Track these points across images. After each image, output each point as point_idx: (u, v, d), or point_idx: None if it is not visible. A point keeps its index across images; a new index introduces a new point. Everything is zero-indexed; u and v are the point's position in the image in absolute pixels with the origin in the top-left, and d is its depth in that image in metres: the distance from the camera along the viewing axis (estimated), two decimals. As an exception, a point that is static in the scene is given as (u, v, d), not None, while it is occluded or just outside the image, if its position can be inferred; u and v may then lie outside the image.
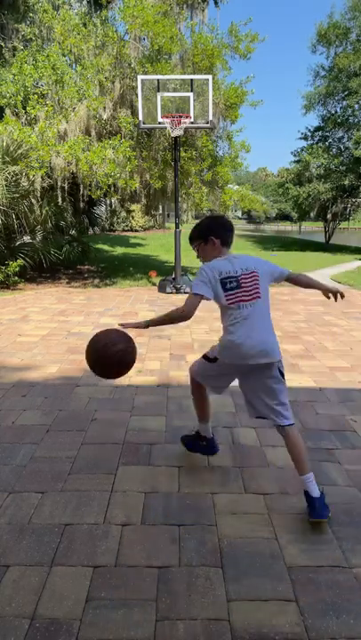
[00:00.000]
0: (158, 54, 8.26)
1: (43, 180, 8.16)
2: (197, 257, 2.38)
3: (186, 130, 7.89)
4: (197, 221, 2.45)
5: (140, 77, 7.65)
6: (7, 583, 1.73)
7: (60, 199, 8.58)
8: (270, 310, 2.20)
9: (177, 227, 8.37)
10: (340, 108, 23.29)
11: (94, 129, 8.52)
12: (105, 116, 8.58)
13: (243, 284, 2.12)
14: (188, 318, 2.12)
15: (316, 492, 2.08)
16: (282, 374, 2.25)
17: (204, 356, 2.39)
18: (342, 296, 2.29)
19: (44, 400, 3.41)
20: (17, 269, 8.31)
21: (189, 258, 13.68)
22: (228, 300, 2.11)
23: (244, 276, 2.13)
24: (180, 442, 2.68)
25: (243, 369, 2.19)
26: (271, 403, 2.19)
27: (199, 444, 2.57)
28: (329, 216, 25.35)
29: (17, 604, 1.63)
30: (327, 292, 2.33)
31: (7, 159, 7.97)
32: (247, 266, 2.17)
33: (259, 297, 2.13)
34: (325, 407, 3.34)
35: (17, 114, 8.54)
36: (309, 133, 24.44)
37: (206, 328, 5.64)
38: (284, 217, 66.79)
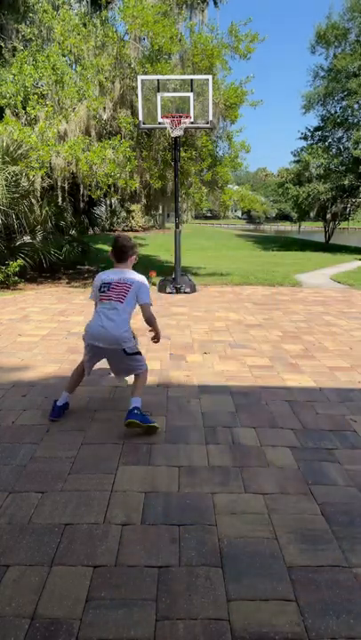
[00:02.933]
0: (158, 54, 8.26)
1: (43, 180, 8.17)
2: (132, 265, 3.11)
3: (186, 130, 7.88)
4: (125, 240, 3.10)
5: (140, 77, 7.65)
6: (7, 583, 1.73)
7: (60, 199, 8.59)
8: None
9: (177, 227, 8.37)
10: (340, 109, 23.33)
11: (94, 129, 8.52)
12: (105, 117, 8.59)
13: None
14: None
15: (132, 405, 2.87)
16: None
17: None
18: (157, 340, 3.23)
19: (44, 400, 3.41)
20: (17, 269, 8.31)
21: (189, 258, 13.70)
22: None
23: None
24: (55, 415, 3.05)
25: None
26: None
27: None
28: (329, 216, 25.39)
29: (17, 604, 1.63)
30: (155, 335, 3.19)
31: (7, 159, 7.97)
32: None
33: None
34: (325, 407, 3.34)
35: (17, 114, 8.54)
36: (309, 133, 24.47)
37: (206, 328, 5.64)
38: (283, 217, 66.83)
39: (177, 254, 8.31)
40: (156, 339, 3.24)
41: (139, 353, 3.05)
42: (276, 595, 1.68)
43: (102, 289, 2.97)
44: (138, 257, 3.20)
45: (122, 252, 3.05)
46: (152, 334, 3.25)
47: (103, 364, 4.09)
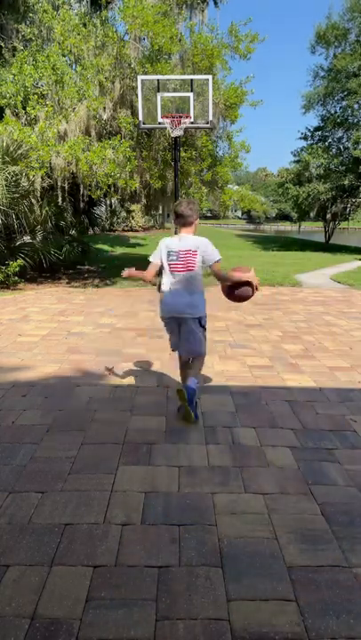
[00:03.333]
0: (158, 54, 8.25)
1: (43, 180, 8.16)
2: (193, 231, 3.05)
3: (186, 130, 7.88)
4: (190, 202, 3.06)
5: (140, 77, 7.65)
6: (7, 583, 1.73)
7: (60, 199, 8.58)
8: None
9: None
10: (340, 109, 23.32)
11: (94, 129, 8.52)
12: (105, 117, 8.58)
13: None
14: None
15: (193, 384, 2.98)
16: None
17: None
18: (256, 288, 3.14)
19: (44, 400, 3.41)
20: (17, 269, 8.31)
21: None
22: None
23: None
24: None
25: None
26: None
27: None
28: (329, 216, 25.37)
29: (17, 604, 1.63)
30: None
31: (7, 159, 7.97)
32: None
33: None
34: (325, 407, 3.34)
35: (17, 114, 8.54)
36: (309, 133, 24.46)
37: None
38: (283, 217, 66.82)
39: (177, 254, 8.29)
40: (254, 285, 3.14)
41: (205, 329, 3.12)
42: (276, 595, 1.68)
43: (170, 257, 2.98)
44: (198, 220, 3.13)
45: (183, 217, 3.01)
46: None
47: (104, 365, 4.08)
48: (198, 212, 3.09)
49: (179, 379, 3.88)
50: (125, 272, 3.05)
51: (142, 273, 3.04)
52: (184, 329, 3.03)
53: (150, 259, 3.06)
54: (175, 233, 3.36)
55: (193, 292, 2.97)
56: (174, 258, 2.96)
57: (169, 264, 2.98)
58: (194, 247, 2.95)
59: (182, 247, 2.95)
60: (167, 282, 3.01)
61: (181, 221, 3.02)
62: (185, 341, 3.06)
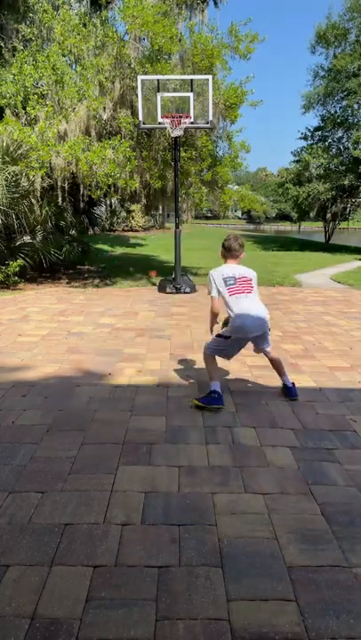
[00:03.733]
0: (158, 54, 8.24)
1: (43, 180, 8.16)
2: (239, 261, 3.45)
3: (186, 130, 7.88)
4: (237, 238, 3.44)
5: (140, 77, 7.65)
6: (7, 583, 1.73)
7: (60, 199, 8.58)
8: (270, 310, 2.95)
9: (177, 227, 8.36)
10: (340, 109, 23.31)
11: (94, 129, 8.51)
12: (105, 117, 8.58)
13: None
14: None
15: (289, 383, 3.50)
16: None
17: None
18: None
19: (44, 400, 3.42)
20: (17, 269, 8.30)
21: (189, 258, 13.68)
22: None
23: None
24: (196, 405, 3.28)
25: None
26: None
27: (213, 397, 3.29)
28: (329, 216, 25.37)
29: (17, 604, 1.63)
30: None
31: (7, 159, 7.97)
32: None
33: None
34: (325, 407, 3.34)
35: (17, 114, 8.54)
36: (309, 133, 24.45)
37: (206, 328, 5.63)
38: (283, 217, 66.83)
39: (177, 254, 8.30)
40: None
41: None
42: (276, 595, 1.68)
43: (228, 282, 3.24)
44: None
45: (233, 251, 3.37)
46: None
47: (103, 364, 4.09)
48: (243, 246, 3.45)
49: (178, 379, 3.89)
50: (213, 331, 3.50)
51: (213, 320, 3.44)
52: (257, 340, 3.39)
53: (213, 293, 3.28)
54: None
55: (260, 309, 3.27)
56: (232, 282, 3.24)
57: (228, 289, 3.22)
58: (250, 276, 3.32)
59: (238, 274, 3.28)
60: (233, 308, 3.20)
61: (230, 255, 3.38)
62: (260, 344, 3.44)
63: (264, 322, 3.27)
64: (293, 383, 3.51)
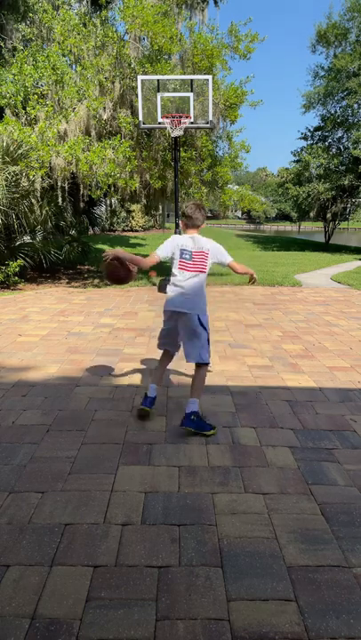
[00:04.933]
0: (158, 54, 8.25)
1: (43, 180, 8.16)
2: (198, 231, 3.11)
3: (186, 130, 7.88)
4: (198, 205, 3.10)
5: (140, 77, 7.65)
6: (7, 583, 1.73)
7: (60, 199, 8.58)
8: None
9: (177, 227, 8.35)
10: (340, 108, 23.31)
11: (94, 129, 8.52)
12: (105, 116, 8.58)
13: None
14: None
15: (189, 409, 2.92)
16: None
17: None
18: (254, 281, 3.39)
19: (44, 400, 3.42)
20: (17, 269, 8.31)
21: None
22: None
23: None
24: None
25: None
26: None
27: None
28: (329, 216, 25.35)
29: (17, 604, 1.63)
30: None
31: (7, 159, 7.97)
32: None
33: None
34: (325, 407, 3.34)
35: (17, 114, 8.54)
36: (309, 133, 24.45)
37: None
38: (283, 217, 66.85)
39: (177, 254, 8.29)
40: (252, 280, 3.41)
41: (206, 329, 3.02)
42: (276, 595, 1.68)
43: (183, 255, 3.01)
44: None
45: (191, 219, 3.05)
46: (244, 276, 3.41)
47: (103, 364, 4.09)
48: (205, 216, 3.16)
49: (178, 378, 3.89)
50: (111, 252, 2.92)
51: (136, 257, 3.01)
52: (184, 327, 2.99)
53: (158, 251, 3.03)
54: (178, 233, 3.37)
55: (197, 293, 3.00)
56: (187, 257, 3.01)
57: (180, 261, 3.02)
58: (206, 249, 3.01)
59: (196, 248, 3.01)
60: (176, 279, 3.04)
61: (190, 223, 3.06)
62: (187, 342, 3.00)
63: (194, 304, 2.95)
64: (193, 413, 2.89)
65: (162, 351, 3.23)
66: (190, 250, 3.01)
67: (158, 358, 3.29)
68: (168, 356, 3.21)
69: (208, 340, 3.02)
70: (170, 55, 8.59)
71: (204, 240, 3.05)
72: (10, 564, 1.82)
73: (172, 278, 3.08)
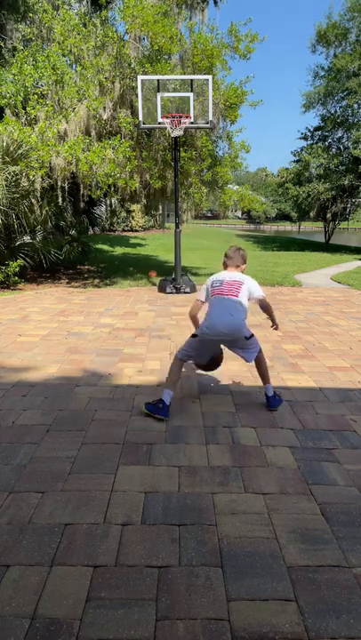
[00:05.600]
0: (158, 54, 8.24)
1: (43, 180, 8.16)
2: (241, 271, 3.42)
3: (186, 130, 7.88)
4: (237, 249, 3.47)
5: (140, 77, 7.65)
6: (7, 583, 1.73)
7: (60, 199, 8.58)
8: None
9: (177, 227, 8.36)
10: (340, 108, 23.32)
11: (94, 129, 8.51)
12: (105, 116, 8.57)
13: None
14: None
15: (270, 392, 3.29)
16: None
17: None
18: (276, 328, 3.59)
19: (44, 400, 3.42)
20: (17, 269, 8.31)
21: (189, 258, 13.69)
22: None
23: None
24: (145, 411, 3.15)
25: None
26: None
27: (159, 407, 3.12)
28: (329, 216, 25.36)
29: (17, 604, 1.63)
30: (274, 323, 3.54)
31: (7, 159, 7.97)
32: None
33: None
34: (325, 407, 3.34)
35: (17, 114, 8.53)
36: (309, 133, 24.46)
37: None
38: (283, 217, 66.86)
39: (177, 254, 8.30)
40: (274, 326, 3.56)
41: (253, 335, 3.24)
42: (276, 595, 1.68)
43: (215, 285, 3.27)
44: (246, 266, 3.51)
45: (231, 259, 3.40)
46: (270, 323, 3.58)
47: (103, 364, 4.11)
48: (246, 259, 3.47)
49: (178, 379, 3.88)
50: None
51: (193, 321, 3.58)
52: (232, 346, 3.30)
53: (198, 296, 3.42)
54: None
55: (235, 312, 3.13)
56: (218, 284, 3.24)
57: (213, 290, 3.25)
58: (240, 280, 3.25)
59: (230, 278, 3.27)
60: (212, 305, 3.22)
61: (228, 262, 3.39)
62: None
63: (237, 324, 3.08)
64: (276, 394, 3.30)
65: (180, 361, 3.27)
66: (222, 279, 3.26)
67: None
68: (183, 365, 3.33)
69: (253, 335, 3.27)
70: (170, 55, 8.58)
71: (239, 274, 3.32)
72: (10, 564, 1.82)
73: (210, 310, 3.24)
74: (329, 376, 3.98)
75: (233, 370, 4.12)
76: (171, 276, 8.52)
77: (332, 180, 22.02)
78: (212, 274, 3.45)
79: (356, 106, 22.40)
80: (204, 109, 8.06)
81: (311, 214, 25.95)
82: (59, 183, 8.18)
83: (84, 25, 8.66)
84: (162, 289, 8.28)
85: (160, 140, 8.76)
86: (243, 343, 3.18)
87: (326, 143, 23.78)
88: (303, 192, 22.98)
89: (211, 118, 7.82)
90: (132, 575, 1.76)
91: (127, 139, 8.32)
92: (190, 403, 3.40)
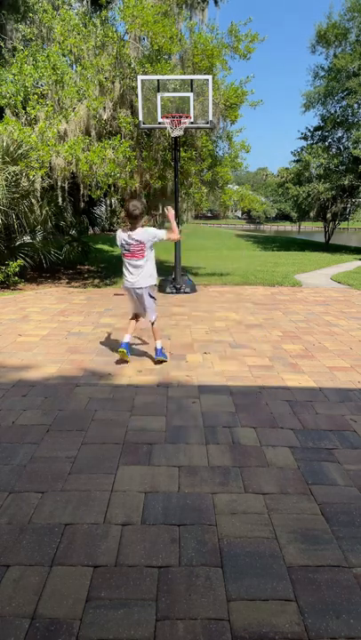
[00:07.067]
0: (158, 54, 8.24)
1: (43, 180, 8.16)
2: (140, 225, 4.03)
3: (186, 130, 7.88)
4: (133, 203, 3.97)
5: (140, 77, 7.64)
6: (7, 583, 1.73)
7: (60, 199, 8.58)
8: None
9: (177, 226, 8.35)
10: (340, 108, 23.32)
11: (94, 129, 8.51)
12: (105, 116, 8.57)
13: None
14: None
15: (158, 346, 4.30)
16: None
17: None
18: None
19: (44, 400, 3.42)
20: (17, 269, 8.31)
21: (189, 258, 13.68)
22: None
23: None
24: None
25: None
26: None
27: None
28: (329, 216, 25.36)
29: (17, 604, 1.63)
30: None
31: (7, 159, 7.97)
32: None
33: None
34: (325, 407, 3.34)
35: (17, 114, 8.53)
36: (309, 133, 24.46)
37: (206, 328, 5.64)
38: (283, 217, 66.88)
39: (177, 254, 8.30)
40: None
41: (154, 298, 4.27)
42: (276, 595, 1.68)
43: (124, 248, 4.05)
44: (145, 217, 4.23)
45: (131, 217, 3.95)
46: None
47: (103, 364, 4.12)
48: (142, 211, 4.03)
49: (178, 378, 3.89)
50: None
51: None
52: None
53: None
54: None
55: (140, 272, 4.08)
56: (126, 249, 4.05)
57: (123, 254, 4.10)
58: (143, 240, 3.96)
59: (133, 241, 3.98)
60: (125, 266, 4.15)
61: (129, 220, 3.97)
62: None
63: (141, 279, 4.06)
64: (162, 348, 4.30)
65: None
66: (127, 242, 4.02)
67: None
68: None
69: (155, 299, 4.29)
70: (170, 55, 8.58)
71: (140, 233, 3.98)
72: (10, 564, 1.82)
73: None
74: (329, 376, 3.98)
75: (232, 370, 4.12)
76: (171, 276, 8.52)
77: (332, 180, 22.01)
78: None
79: (356, 106, 22.40)
80: (204, 109, 8.06)
81: (311, 214, 25.94)
82: (59, 183, 8.17)
83: (84, 25, 8.66)
84: (162, 289, 8.27)
85: (160, 140, 8.76)
86: (145, 298, 4.16)
87: (326, 143, 23.78)
88: (303, 192, 22.97)
89: (211, 118, 7.82)
90: (132, 575, 1.76)
91: (127, 139, 8.31)
92: (190, 403, 3.40)
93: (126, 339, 4.23)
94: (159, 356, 4.24)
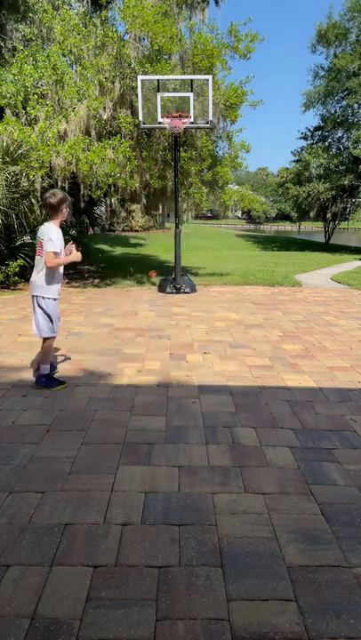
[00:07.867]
0: (158, 54, 8.24)
1: (43, 180, 8.15)
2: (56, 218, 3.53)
3: (186, 130, 7.88)
4: (55, 191, 3.53)
5: (140, 77, 7.64)
6: (7, 583, 1.73)
7: (60, 199, 8.56)
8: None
9: (177, 227, 8.36)
10: (340, 108, 23.32)
11: (94, 129, 8.51)
12: (105, 116, 8.57)
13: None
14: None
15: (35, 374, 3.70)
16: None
17: None
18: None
19: (44, 400, 3.42)
20: (17, 269, 8.31)
21: (189, 258, 13.68)
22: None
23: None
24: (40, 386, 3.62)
25: None
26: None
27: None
28: (329, 216, 25.36)
29: (17, 604, 1.63)
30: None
31: (7, 159, 7.97)
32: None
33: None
34: (325, 407, 3.34)
35: (17, 114, 8.53)
36: (309, 133, 24.46)
37: (206, 328, 5.64)
38: (283, 217, 66.89)
39: (177, 254, 8.30)
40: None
41: (47, 315, 3.58)
42: (276, 595, 1.68)
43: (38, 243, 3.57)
44: (68, 211, 3.61)
45: (45, 206, 3.57)
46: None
47: (103, 364, 4.12)
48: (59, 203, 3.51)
49: (178, 378, 3.89)
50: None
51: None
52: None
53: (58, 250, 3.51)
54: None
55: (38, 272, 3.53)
56: (38, 245, 3.55)
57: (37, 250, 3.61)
58: (43, 236, 3.45)
59: (41, 236, 3.50)
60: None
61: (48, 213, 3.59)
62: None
63: (33, 283, 3.56)
64: (40, 377, 3.66)
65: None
66: (39, 236, 3.52)
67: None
68: None
69: (49, 316, 3.59)
70: (170, 55, 8.57)
71: (44, 228, 3.48)
72: (10, 564, 1.82)
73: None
74: (329, 376, 3.98)
75: (232, 370, 4.12)
76: (171, 276, 8.52)
77: (332, 180, 22.02)
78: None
79: (356, 106, 22.41)
80: (204, 109, 8.06)
81: (311, 214, 25.95)
82: (59, 183, 8.17)
83: (84, 25, 8.65)
84: (162, 289, 8.28)
85: (160, 140, 8.75)
86: (35, 305, 3.58)
87: (326, 143, 23.79)
88: (303, 192, 22.98)
89: (211, 118, 7.82)
90: (132, 575, 1.76)
91: (127, 139, 8.31)
92: (190, 403, 3.40)
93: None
94: (39, 384, 3.63)
